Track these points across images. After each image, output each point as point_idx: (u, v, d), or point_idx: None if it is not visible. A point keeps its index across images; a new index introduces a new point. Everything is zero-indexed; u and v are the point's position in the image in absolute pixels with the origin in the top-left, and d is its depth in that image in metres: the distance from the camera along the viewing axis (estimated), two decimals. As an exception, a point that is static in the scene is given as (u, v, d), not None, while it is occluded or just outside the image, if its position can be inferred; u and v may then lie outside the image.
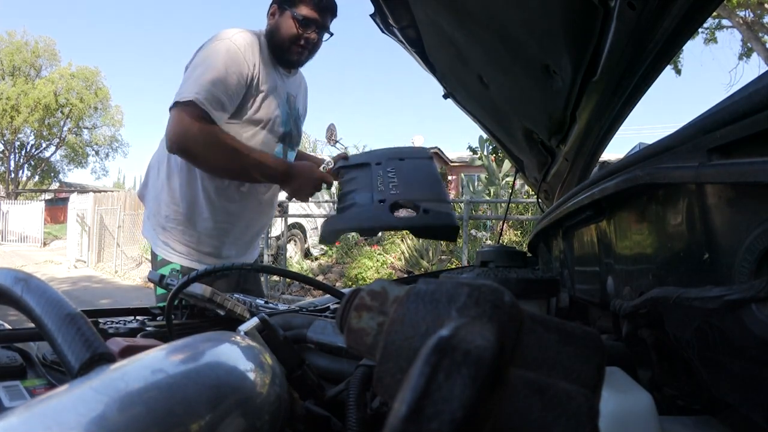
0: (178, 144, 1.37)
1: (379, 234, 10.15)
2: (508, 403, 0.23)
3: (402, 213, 1.13)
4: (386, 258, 7.50)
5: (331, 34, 1.62)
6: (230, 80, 1.40)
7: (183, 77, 1.46)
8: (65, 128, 27.09)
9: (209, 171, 1.47)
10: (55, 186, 30.29)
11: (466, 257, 5.65)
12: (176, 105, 1.36)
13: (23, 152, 27.11)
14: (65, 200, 18.74)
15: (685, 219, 0.50)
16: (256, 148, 1.52)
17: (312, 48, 1.60)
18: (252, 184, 1.58)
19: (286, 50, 1.56)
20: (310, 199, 1.61)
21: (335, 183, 1.54)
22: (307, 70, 1.78)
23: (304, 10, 1.53)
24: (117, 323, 0.86)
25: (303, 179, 1.49)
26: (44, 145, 27.69)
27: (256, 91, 1.50)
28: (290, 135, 1.68)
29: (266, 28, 1.57)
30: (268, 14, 1.58)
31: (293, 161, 1.70)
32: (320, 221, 8.52)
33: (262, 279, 6.46)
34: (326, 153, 11.57)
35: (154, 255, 1.58)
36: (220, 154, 1.39)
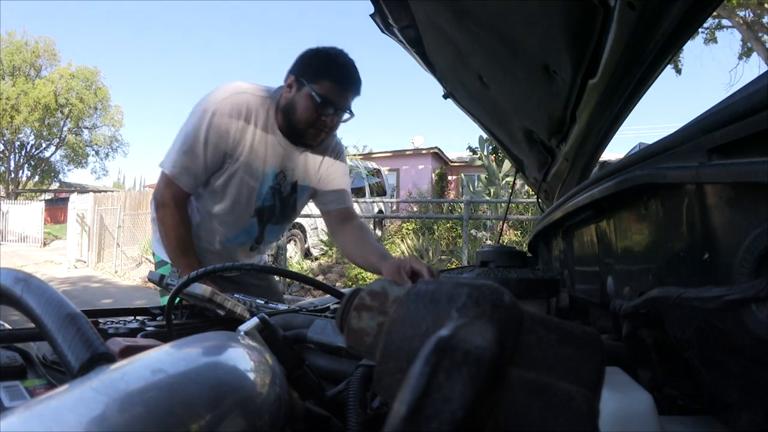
0: (154, 202, 1.51)
1: (379, 233, 10.11)
2: (508, 403, 0.23)
3: None
4: (386, 258, 7.48)
5: (352, 115, 1.45)
6: (207, 155, 1.40)
7: (176, 134, 1.47)
8: (65, 128, 27.10)
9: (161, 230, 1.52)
10: (55, 186, 30.29)
11: (466, 257, 5.65)
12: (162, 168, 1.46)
13: (23, 152, 27.12)
14: (65, 200, 18.76)
15: (685, 219, 0.50)
16: (206, 231, 1.55)
17: (330, 130, 1.45)
18: (228, 242, 1.59)
19: (301, 133, 1.44)
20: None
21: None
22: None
23: (324, 89, 1.37)
24: (117, 323, 0.86)
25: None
26: (44, 145, 27.70)
27: (231, 163, 1.45)
28: (270, 210, 1.58)
29: (282, 99, 1.44)
30: (285, 83, 1.44)
31: (271, 234, 1.66)
32: (320, 221, 8.52)
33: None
34: (326, 153, 11.52)
35: (155, 256, 1.67)
36: (162, 227, 1.49)
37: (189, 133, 1.39)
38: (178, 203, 1.46)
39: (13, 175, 26.43)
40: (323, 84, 1.36)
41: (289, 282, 7.02)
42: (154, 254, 1.68)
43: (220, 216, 1.52)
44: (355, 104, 1.46)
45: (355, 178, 10.55)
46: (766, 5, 11.33)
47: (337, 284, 6.85)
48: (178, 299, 0.84)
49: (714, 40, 13.21)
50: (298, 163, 1.54)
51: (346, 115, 1.45)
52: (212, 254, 1.59)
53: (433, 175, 14.69)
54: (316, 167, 1.59)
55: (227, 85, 1.42)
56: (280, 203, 1.58)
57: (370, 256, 1.43)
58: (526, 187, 7.01)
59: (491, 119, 1.55)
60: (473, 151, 10.12)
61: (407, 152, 15.44)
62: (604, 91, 0.83)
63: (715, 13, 11.36)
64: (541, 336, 0.26)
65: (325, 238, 8.69)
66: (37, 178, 29.26)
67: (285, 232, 1.77)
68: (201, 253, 1.56)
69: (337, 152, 1.64)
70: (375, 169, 11.87)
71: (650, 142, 0.60)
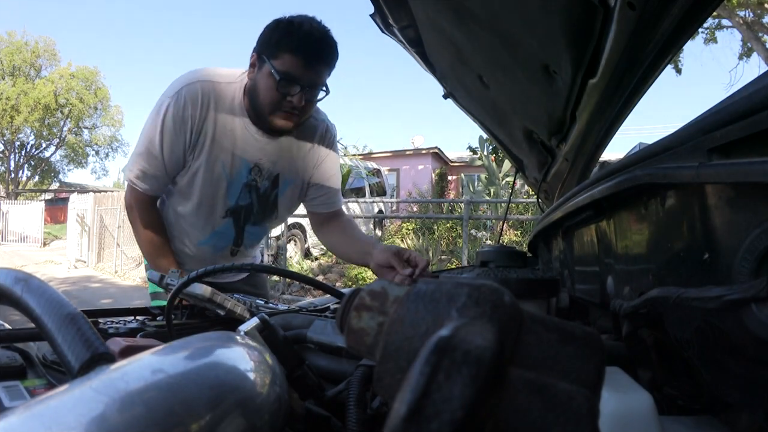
0: (129, 211, 1.40)
1: (379, 234, 10.13)
2: (508, 403, 0.23)
3: None
4: (386, 258, 7.48)
5: (327, 92, 1.26)
6: (164, 155, 1.28)
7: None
8: (65, 128, 27.14)
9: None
10: (55, 186, 30.31)
11: (466, 257, 5.65)
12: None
13: (23, 152, 27.16)
14: (65, 200, 18.75)
15: (685, 219, 0.50)
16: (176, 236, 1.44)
17: (301, 112, 1.24)
18: (199, 245, 1.47)
19: (267, 118, 1.24)
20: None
21: None
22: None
23: (285, 64, 1.16)
24: (117, 323, 0.86)
25: None
26: (44, 145, 27.75)
27: (193, 160, 1.30)
28: (246, 210, 1.41)
29: (247, 82, 1.27)
30: (249, 64, 1.26)
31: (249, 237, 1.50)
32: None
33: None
34: (326, 153, 11.55)
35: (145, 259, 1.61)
36: (134, 232, 1.41)
37: (145, 133, 1.29)
38: (143, 207, 1.37)
39: (13, 175, 26.47)
40: (284, 58, 1.15)
41: (289, 282, 7.02)
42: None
43: (186, 217, 1.41)
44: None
45: (356, 178, 10.55)
46: (766, 5, 11.33)
47: (337, 284, 6.85)
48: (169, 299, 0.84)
49: (714, 40, 13.22)
50: (279, 154, 1.36)
51: (321, 93, 1.25)
52: (188, 257, 1.48)
53: (433, 175, 14.70)
54: (302, 157, 1.41)
55: (184, 75, 1.28)
56: (258, 201, 1.40)
57: (359, 245, 1.33)
58: (526, 187, 7.01)
59: (491, 119, 1.55)
60: (473, 151, 10.14)
61: (407, 152, 15.45)
62: (604, 91, 0.83)
63: (715, 13, 11.37)
64: (541, 336, 0.26)
65: (325, 238, 8.67)
66: (37, 178, 29.31)
67: (269, 232, 1.61)
68: (177, 254, 1.46)
69: (328, 141, 1.44)
70: (375, 169, 11.87)
71: (650, 142, 0.60)
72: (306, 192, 1.48)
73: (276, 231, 7.68)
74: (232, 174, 1.34)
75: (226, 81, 1.29)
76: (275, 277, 6.97)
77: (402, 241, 7.85)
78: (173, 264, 1.37)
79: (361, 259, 1.32)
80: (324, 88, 1.25)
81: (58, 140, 27.49)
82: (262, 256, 6.96)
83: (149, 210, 1.39)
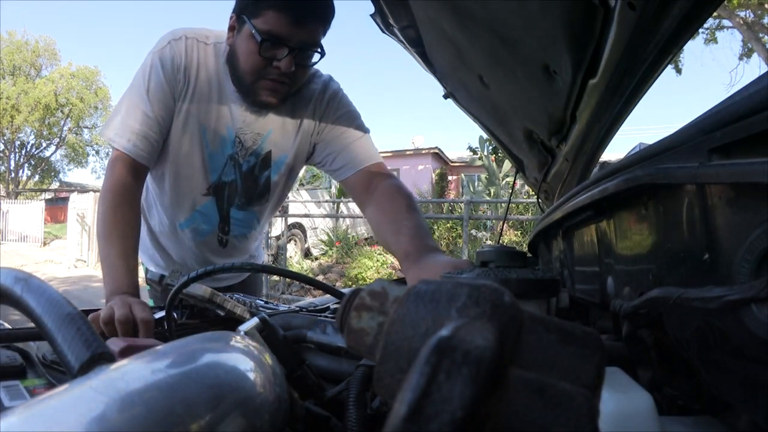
0: (103, 196, 1.11)
1: (379, 234, 10.08)
2: (508, 403, 0.23)
3: None
4: (386, 258, 7.51)
5: (322, 53, 1.07)
6: (155, 112, 1.12)
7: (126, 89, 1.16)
8: (65, 128, 27.19)
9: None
10: (55, 185, 30.33)
11: (466, 257, 5.66)
12: (113, 147, 1.13)
13: (23, 152, 27.21)
14: (65, 200, 18.75)
15: (685, 219, 0.50)
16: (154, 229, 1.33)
17: (291, 80, 1.07)
18: (193, 232, 1.32)
19: (250, 88, 1.08)
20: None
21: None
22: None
23: (267, 22, 0.98)
24: (117, 323, 0.85)
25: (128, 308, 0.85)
26: (44, 145, 27.84)
27: (175, 121, 1.15)
28: (231, 188, 1.24)
29: (226, 48, 1.12)
30: (228, 28, 1.10)
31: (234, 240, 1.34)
32: (320, 221, 8.52)
33: (262, 279, 6.46)
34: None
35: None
36: (102, 224, 1.10)
37: (133, 93, 1.12)
38: (130, 183, 1.10)
39: (13, 175, 26.50)
40: (266, 16, 0.98)
41: (289, 282, 7.02)
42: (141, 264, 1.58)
43: (166, 193, 1.26)
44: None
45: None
46: (766, 6, 11.33)
47: (337, 284, 6.85)
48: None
49: (714, 40, 13.22)
50: (266, 127, 1.19)
51: (315, 56, 1.07)
52: (165, 236, 1.37)
53: (434, 175, 14.71)
54: (295, 129, 1.21)
55: (169, 32, 1.16)
56: (242, 180, 1.24)
57: (397, 242, 1.00)
58: (526, 187, 7.02)
59: (491, 119, 1.55)
60: (473, 151, 10.14)
61: (407, 152, 15.45)
62: (604, 91, 0.83)
63: (715, 14, 11.38)
64: (541, 336, 0.26)
65: (325, 237, 8.68)
66: (37, 177, 29.35)
67: (261, 223, 1.39)
68: (157, 236, 1.38)
69: (328, 100, 1.20)
70: (375, 169, 11.84)
71: (650, 142, 0.60)
72: (322, 163, 1.25)
73: (276, 231, 7.69)
74: (215, 143, 1.19)
75: (213, 42, 1.16)
76: (275, 277, 6.97)
77: (402, 241, 7.84)
78: (136, 283, 1.02)
79: (401, 261, 0.99)
80: (318, 50, 1.06)
81: (58, 140, 27.54)
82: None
83: (137, 188, 1.14)
